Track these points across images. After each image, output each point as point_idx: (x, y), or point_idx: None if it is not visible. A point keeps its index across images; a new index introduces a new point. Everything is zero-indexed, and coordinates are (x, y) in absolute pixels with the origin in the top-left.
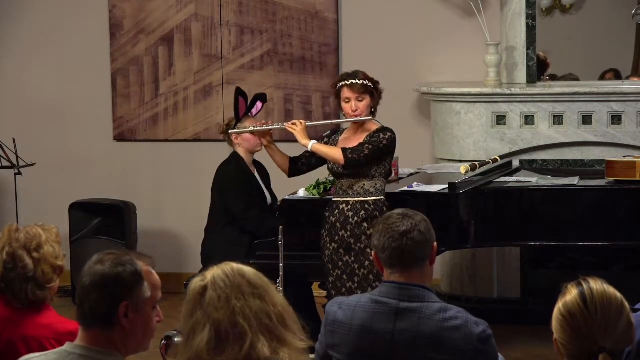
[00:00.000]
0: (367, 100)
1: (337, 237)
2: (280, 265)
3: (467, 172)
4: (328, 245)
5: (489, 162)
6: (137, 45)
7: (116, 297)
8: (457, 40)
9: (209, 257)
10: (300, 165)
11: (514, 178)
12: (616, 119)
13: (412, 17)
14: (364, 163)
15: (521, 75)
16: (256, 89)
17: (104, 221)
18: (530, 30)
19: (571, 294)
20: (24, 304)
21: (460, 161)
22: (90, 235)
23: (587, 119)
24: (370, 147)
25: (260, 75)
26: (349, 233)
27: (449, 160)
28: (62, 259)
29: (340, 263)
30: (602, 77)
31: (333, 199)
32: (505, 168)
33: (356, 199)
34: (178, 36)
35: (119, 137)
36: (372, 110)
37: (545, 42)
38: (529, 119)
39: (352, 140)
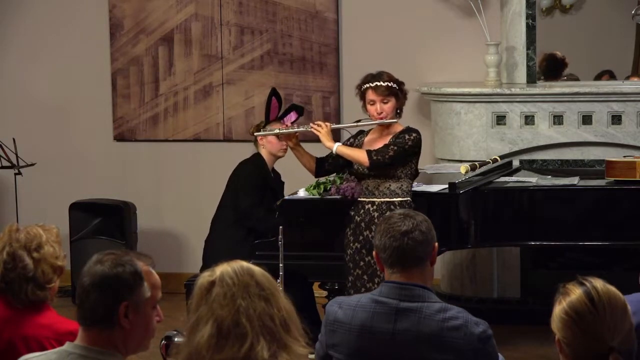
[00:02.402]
0: (392, 102)
1: (361, 237)
2: (280, 265)
3: (467, 172)
4: (351, 244)
5: (489, 162)
6: (137, 45)
7: (116, 297)
8: (457, 40)
9: (212, 253)
10: (327, 166)
11: (514, 178)
12: (616, 119)
13: (412, 17)
14: (389, 164)
15: (521, 75)
16: (256, 89)
17: (104, 221)
18: (530, 30)
19: (575, 293)
20: (24, 304)
21: (460, 161)
22: (90, 235)
23: (587, 119)
24: (395, 148)
25: (260, 75)
26: (373, 233)
27: (449, 160)
28: (63, 259)
29: (361, 263)
30: (598, 79)
31: (359, 199)
32: (505, 168)
33: (382, 199)
34: (178, 36)
35: (119, 137)
36: (398, 111)
37: (545, 42)
38: (529, 119)
39: (378, 141)
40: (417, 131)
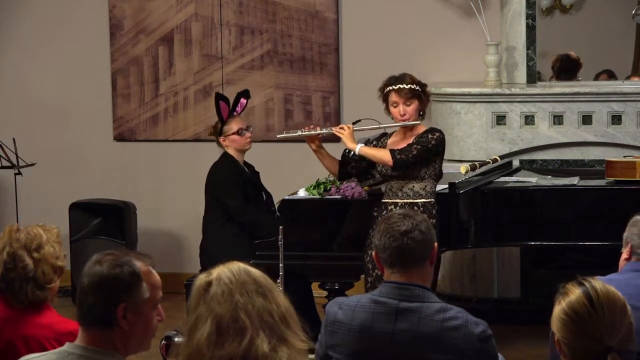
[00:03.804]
0: (415, 104)
1: None
2: (280, 265)
3: (467, 172)
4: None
5: (489, 162)
6: (137, 45)
7: (114, 298)
8: (457, 40)
9: (209, 257)
10: (349, 168)
11: (514, 178)
12: (616, 119)
13: (412, 17)
14: (413, 163)
15: (521, 75)
16: (256, 89)
17: (104, 221)
18: (530, 30)
19: (574, 293)
20: (24, 304)
21: (460, 161)
22: (90, 235)
23: (587, 119)
24: (419, 147)
25: (260, 75)
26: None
27: (449, 160)
28: (63, 260)
29: None
30: (596, 79)
31: (382, 200)
32: (505, 168)
33: (405, 200)
34: (178, 36)
35: (119, 137)
36: (421, 113)
37: (545, 42)
38: (529, 119)
39: (401, 143)
40: (440, 131)
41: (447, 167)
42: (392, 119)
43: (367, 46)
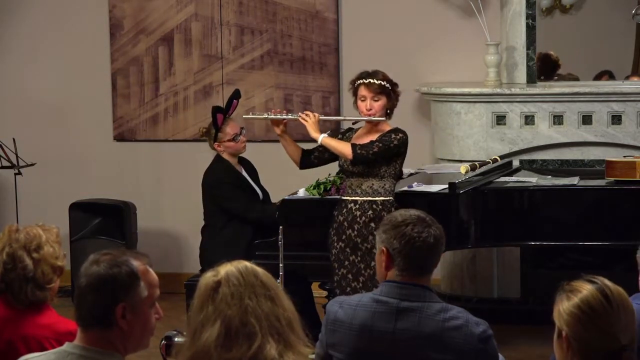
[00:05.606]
0: (382, 101)
1: (344, 236)
2: (280, 265)
3: (467, 172)
4: (335, 244)
5: (489, 162)
6: (137, 45)
7: (113, 298)
8: (457, 40)
9: (208, 260)
10: (312, 158)
11: (514, 178)
12: (616, 119)
13: (412, 17)
14: (372, 160)
15: (521, 75)
16: (256, 89)
17: (104, 221)
18: (530, 30)
19: (586, 289)
20: (24, 304)
21: (460, 161)
22: (90, 235)
23: (587, 119)
24: (380, 145)
25: (260, 75)
26: (356, 232)
27: (449, 160)
28: (62, 260)
29: (346, 262)
30: (597, 80)
31: (342, 198)
32: (505, 168)
33: (364, 198)
34: (178, 36)
35: (119, 137)
36: (388, 111)
37: (545, 42)
38: (529, 119)
39: (364, 139)
40: (404, 132)
41: (447, 167)
42: (359, 113)
43: (367, 46)
